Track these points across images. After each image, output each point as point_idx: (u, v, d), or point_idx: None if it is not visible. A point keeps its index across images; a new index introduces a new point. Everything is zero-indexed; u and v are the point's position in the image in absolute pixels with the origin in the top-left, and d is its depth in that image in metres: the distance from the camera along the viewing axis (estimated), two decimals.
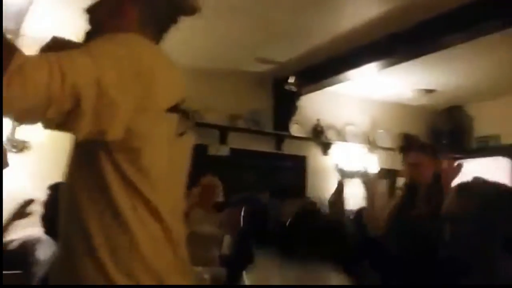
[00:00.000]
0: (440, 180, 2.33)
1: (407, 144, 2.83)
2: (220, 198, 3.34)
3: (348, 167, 5.24)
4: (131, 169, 0.96)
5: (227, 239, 3.32)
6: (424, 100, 5.46)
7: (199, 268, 3.10)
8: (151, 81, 0.95)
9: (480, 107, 5.51)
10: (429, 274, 1.69)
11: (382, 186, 5.22)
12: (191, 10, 1.16)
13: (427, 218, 2.26)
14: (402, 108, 5.74)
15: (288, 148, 5.09)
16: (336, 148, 5.26)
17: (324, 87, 4.83)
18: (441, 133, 5.65)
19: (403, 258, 2.47)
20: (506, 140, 5.28)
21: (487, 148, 5.40)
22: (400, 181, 4.73)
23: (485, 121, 5.49)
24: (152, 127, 0.97)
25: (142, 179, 0.96)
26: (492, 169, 5.23)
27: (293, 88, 4.48)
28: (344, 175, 5.22)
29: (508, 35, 3.52)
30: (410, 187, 2.58)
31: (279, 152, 5.04)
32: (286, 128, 5.02)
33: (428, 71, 4.61)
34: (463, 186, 1.44)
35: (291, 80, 4.46)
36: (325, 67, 4.43)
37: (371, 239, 2.76)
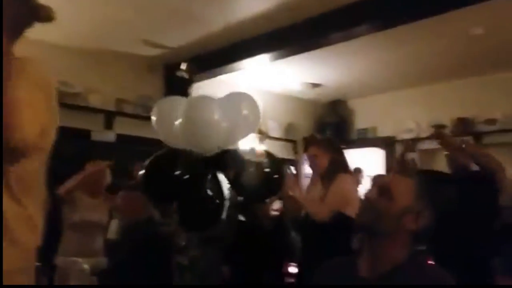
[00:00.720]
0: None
1: (308, 141, 3.16)
2: (108, 180, 3.18)
3: None
4: None
5: (114, 224, 3.16)
6: (311, 94, 5.71)
7: (79, 259, 2.91)
8: None
9: (360, 102, 5.94)
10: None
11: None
12: (47, 19, 1.32)
13: None
14: (291, 100, 5.95)
15: None
16: None
17: (217, 75, 4.79)
18: (326, 125, 5.98)
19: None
20: (382, 132, 5.76)
21: (366, 139, 5.85)
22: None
23: (364, 115, 5.94)
24: None
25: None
26: (369, 158, 5.68)
27: (185, 75, 4.36)
28: None
29: (386, 36, 3.81)
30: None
31: None
32: None
33: (316, 66, 4.82)
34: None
35: (183, 66, 4.34)
36: (218, 55, 4.39)
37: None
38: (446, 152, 3.35)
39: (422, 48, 4.24)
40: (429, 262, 3.42)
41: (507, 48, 4.13)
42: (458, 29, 3.76)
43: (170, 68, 4.76)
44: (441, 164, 4.19)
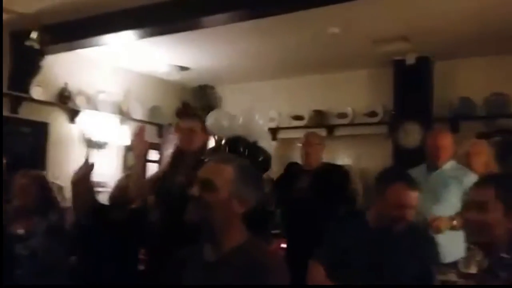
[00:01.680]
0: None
1: (183, 110, 2.83)
2: None
3: (98, 137, 4.96)
4: None
5: None
6: (178, 77, 5.58)
7: None
8: None
9: (228, 89, 5.98)
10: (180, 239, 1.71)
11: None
12: None
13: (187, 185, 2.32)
14: (157, 82, 5.75)
15: (27, 113, 4.45)
16: (85, 116, 4.89)
17: (75, 48, 4.39)
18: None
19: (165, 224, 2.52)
20: None
21: None
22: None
23: (232, 102, 5.99)
24: None
25: None
26: None
27: (36, 45, 3.88)
28: (93, 145, 4.93)
29: (255, 26, 3.87)
30: (178, 154, 2.64)
31: (15, 115, 4.36)
32: (25, 89, 4.37)
33: (184, 49, 4.71)
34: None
35: (34, 35, 3.85)
36: (77, 26, 3.99)
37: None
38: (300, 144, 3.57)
39: (287, 42, 4.41)
40: (283, 245, 3.65)
41: (360, 48, 4.51)
42: (318, 26, 3.97)
43: (18, 35, 4.22)
44: (298, 154, 4.43)
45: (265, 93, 5.71)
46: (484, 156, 3.43)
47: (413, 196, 2.00)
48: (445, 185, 2.84)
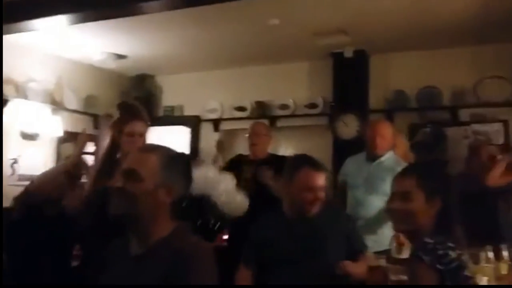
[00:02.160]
0: None
1: (132, 111, 2.65)
2: None
3: (28, 128, 4.69)
4: None
5: None
6: (115, 65, 5.38)
7: None
8: None
9: (168, 79, 5.86)
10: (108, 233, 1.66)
11: (68, 149, 4.93)
12: None
13: None
14: (92, 70, 5.49)
15: None
16: (14, 105, 4.59)
17: (3, 34, 4.09)
18: (132, 99, 5.71)
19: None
20: (188, 111, 5.81)
21: (172, 117, 5.82)
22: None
23: (172, 92, 5.89)
24: None
25: None
26: (175, 136, 5.69)
27: None
28: (24, 136, 4.66)
29: (195, 15, 3.79)
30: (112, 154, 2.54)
31: None
32: None
33: (121, 36, 4.53)
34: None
35: None
36: (5, 9, 3.72)
37: None
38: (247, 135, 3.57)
39: (227, 32, 4.36)
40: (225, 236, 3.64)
41: (300, 40, 4.55)
42: (258, 17, 3.96)
43: None
44: (242, 145, 4.44)
45: (206, 83, 5.65)
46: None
47: (320, 177, 2.09)
48: (382, 177, 2.92)
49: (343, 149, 4.50)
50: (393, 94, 4.85)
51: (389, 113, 4.78)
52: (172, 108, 5.85)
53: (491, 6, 3.68)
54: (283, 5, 3.69)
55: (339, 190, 3.36)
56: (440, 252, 1.40)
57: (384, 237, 2.84)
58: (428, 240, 1.44)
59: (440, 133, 4.70)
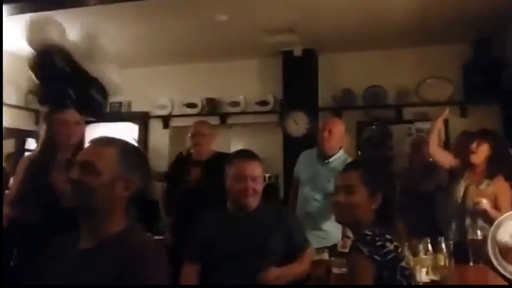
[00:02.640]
0: None
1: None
2: None
3: None
4: None
5: None
6: None
7: None
8: None
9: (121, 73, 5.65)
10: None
11: (9, 146, 4.70)
12: None
13: None
14: None
15: None
16: None
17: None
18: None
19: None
20: (136, 107, 5.67)
21: (120, 113, 5.66)
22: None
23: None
24: None
25: None
26: (124, 133, 5.54)
27: None
28: None
29: (140, 9, 3.70)
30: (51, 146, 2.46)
31: None
32: None
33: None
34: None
35: None
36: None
37: None
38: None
39: (175, 28, 4.28)
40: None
41: (249, 37, 4.55)
42: (206, 13, 3.91)
43: None
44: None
45: (156, 79, 5.54)
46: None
47: (250, 166, 2.08)
48: (328, 177, 2.95)
49: (293, 146, 4.55)
50: (341, 93, 4.96)
51: (337, 111, 4.88)
52: (119, 104, 5.69)
53: (430, 10, 3.83)
54: (231, 1, 3.67)
55: (294, 185, 3.37)
56: (378, 243, 1.44)
57: (332, 233, 2.89)
58: (367, 232, 1.48)
59: (386, 131, 4.85)
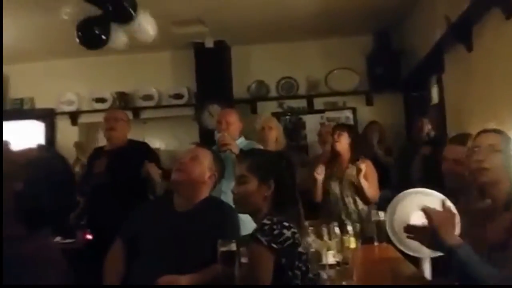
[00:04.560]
0: None
1: None
2: None
3: None
4: None
5: None
6: None
7: None
8: None
9: (15, 69, 5.23)
10: None
11: None
12: None
13: None
14: None
15: None
16: None
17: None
18: None
19: None
20: (40, 104, 5.31)
21: (22, 111, 5.27)
22: None
23: (20, 84, 5.31)
24: None
25: None
26: (27, 131, 5.16)
27: None
28: None
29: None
30: None
31: None
32: None
33: None
34: None
35: None
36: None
37: None
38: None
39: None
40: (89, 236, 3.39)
41: (159, 29, 4.39)
42: None
43: None
44: (103, 138, 4.16)
45: (59, 73, 5.18)
46: (275, 131, 3.80)
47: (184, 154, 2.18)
48: (230, 165, 2.96)
49: (210, 139, 4.50)
50: (255, 84, 5.01)
51: (251, 103, 4.93)
52: (21, 100, 5.28)
53: (332, 3, 3.99)
54: None
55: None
56: (276, 232, 1.46)
57: (247, 222, 2.88)
58: (265, 221, 1.50)
59: (299, 121, 5.00)
